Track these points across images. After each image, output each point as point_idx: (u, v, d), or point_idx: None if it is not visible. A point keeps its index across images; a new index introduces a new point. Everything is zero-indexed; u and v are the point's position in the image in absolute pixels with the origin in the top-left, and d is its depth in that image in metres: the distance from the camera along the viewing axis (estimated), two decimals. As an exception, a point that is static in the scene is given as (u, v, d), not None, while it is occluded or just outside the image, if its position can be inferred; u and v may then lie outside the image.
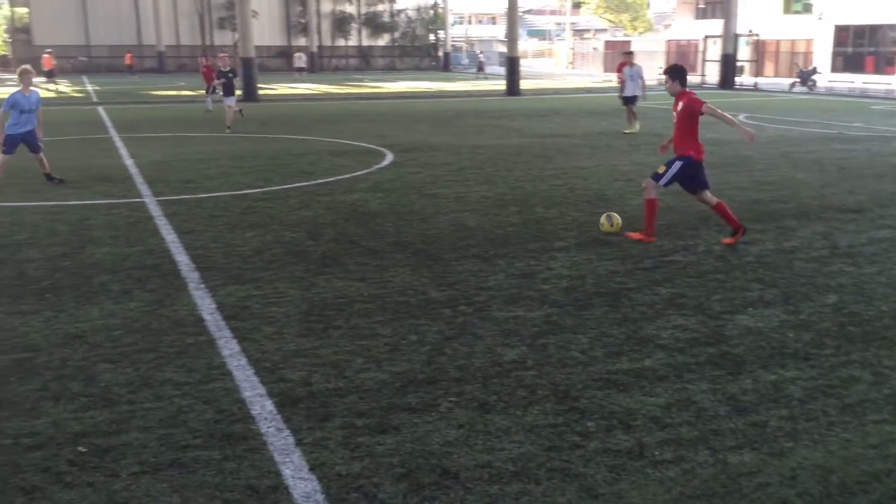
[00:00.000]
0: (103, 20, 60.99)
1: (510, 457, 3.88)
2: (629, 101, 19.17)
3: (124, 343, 5.42)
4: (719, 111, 7.91)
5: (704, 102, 7.84)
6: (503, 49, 55.51)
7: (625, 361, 5.09)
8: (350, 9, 69.88)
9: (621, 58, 20.73)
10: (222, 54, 21.60)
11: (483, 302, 6.29)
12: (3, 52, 65.70)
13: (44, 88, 38.50)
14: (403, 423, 4.24)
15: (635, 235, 8.25)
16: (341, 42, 70.34)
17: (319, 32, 68.34)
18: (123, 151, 15.70)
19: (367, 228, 8.95)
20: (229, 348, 5.33)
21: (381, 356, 5.19)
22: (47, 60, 42.08)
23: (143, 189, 11.49)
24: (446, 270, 7.21)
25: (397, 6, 72.61)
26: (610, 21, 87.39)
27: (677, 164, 7.95)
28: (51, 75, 41.60)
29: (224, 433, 4.14)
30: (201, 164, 14.07)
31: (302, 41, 67.11)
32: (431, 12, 74.02)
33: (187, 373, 4.92)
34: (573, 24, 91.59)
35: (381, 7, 71.52)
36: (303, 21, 67.75)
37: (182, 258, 7.64)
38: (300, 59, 56.08)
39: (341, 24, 69.62)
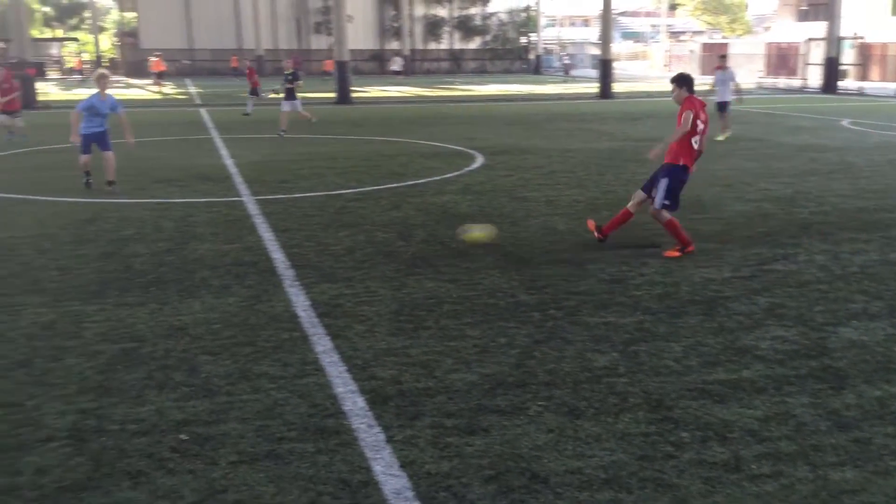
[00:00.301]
0: (206, 25, 63.22)
1: (601, 464, 3.84)
2: (719, 107, 18.52)
3: (223, 336, 5.61)
4: (686, 123, 7.55)
5: (696, 110, 7.58)
6: (596, 51, 54.91)
7: (721, 372, 4.96)
8: (442, 12, 70.38)
9: (716, 61, 20.11)
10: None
11: (573, 307, 6.24)
12: (113, 55, 68.91)
13: (150, 90, 40.25)
14: (492, 425, 4.25)
15: (673, 253, 7.72)
16: (433, 45, 70.91)
17: (412, 36, 69.09)
18: (223, 152, 16.23)
19: (458, 230, 8.99)
20: (322, 345, 5.45)
21: (471, 357, 5.21)
22: (157, 63, 43.89)
23: (242, 188, 11.85)
24: (536, 274, 7.18)
25: (489, 9, 72.71)
26: (707, 23, 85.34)
27: (664, 183, 7.62)
28: (161, 77, 43.40)
29: (317, 427, 4.24)
30: (296, 164, 14.42)
31: (395, 45, 67.99)
32: (523, 15, 73.85)
33: (283, 367, 5.05)
34: (669, 26, 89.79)
35: (473, 10, 71.76)
36: (396, 25, 68.62)
37: (278, 256, 7.85)
38: (396, 63, 56.71)
39: (433, 27, 70.17)
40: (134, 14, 66.24)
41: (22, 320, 5.92)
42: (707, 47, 64.37)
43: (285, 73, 19.95)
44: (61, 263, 7.55)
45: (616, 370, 4.98)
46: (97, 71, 12.29)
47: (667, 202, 7.64)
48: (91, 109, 11.52)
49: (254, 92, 26.00)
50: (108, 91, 11.74)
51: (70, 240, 8.54)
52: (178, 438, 4.10)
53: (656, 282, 6.91)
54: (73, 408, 4.46)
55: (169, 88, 42.36)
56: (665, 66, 71.09)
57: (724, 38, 75.01)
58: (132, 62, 61.48)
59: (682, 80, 7.90)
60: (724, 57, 20.03)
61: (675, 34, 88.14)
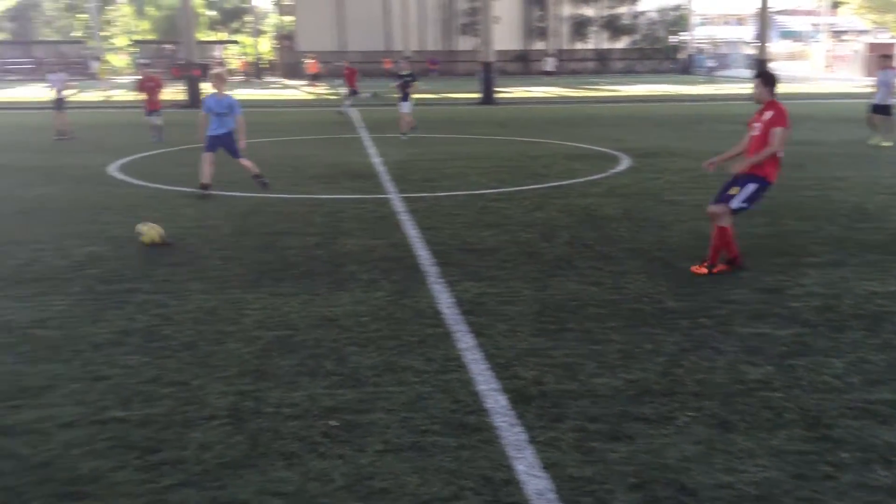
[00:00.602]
0: (357, 28, 65.31)
1: (753, 480, 3.68)
2: (877, 109, 17.20)
3: (370, 329, 5.78)
4: (781, 143, 6.83)
5: (786, 123, 6.82)
6: (751, 51, 52.61)
7: (885, 391, 4.64)
8: (589, 11, 69.50)
9: (880, 62, 18.62)
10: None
11: (724, 316, 6.00)
12: (271, 58, 72.37)
13: (304, 91, 42.00)
14: (638, 432, 4.16)
15: (700, 269, 7.08)
16: (579, 45, 70.15)
17: (558, 36, 68.63)
18: (371, 150, 16.71)
19: (602, 233, 8.87)
20: (465, 342, 5.51)
21: (615, 362, 5.12)
22: (312, 65, 45.84)
23: (389, 186, 12.16)
24: (684, 280, 6.96)
25: (638, 8, 71.16)
26: (873, 22, 79.89)
27: (752, 187, 6.90)
28: (315, 78, 45.31)
29: (460, 423, 4.29)
30: (441, 163, 14.66)
31: (540, 45, 67.75)
32: (674, 14, 71.78)
33: (426, 362, 5.15)
34: (830, 25, 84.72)
35: (621, 9, 70.46)
36: (542, 25, 68.37)
37: (423, 253, 8.00)
38: (549, 63, 56.41)
39: (580, 27, 69.45)
40: (292, 18, 69.29)
41: (189, 305, 6.33)
42: (872, 47, 60.25)
43: (401, 74, 19.64)
44: (223, 253, 8.01)
45: (771, 384, 4.76)
46: (213, 71, 12.18)
47: (744, 205, 6.98)
48: (210, 109, 11.36)
49: (353, 93, 26.72)
50: (228, 91, 11.49)
51: (230, 231, 9.05)
52: (328, 424, 4.26)
53: (816, 293, 6.54)
54: (232, 389, 4.72)
55: (322, 89, 44.04)
56: (826, 66, 67.21)
57: (892, 37, 69.99)
58: (288, 64, 64.38)
59: (769, 79, 7.10)
60: (888, 57, 18.63)
61: (837, 33, 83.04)
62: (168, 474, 3.77)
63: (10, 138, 19.27)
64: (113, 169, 14.01)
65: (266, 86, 50.24)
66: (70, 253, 8.00)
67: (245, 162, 11.56)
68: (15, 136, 19.55)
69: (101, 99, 34.86)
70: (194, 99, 30.29)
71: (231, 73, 63.62)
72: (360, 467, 3.82)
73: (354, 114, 26.41)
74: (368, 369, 5.02)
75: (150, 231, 8.28)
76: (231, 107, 11.36)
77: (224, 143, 11.44)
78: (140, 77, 20.43)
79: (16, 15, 75.60)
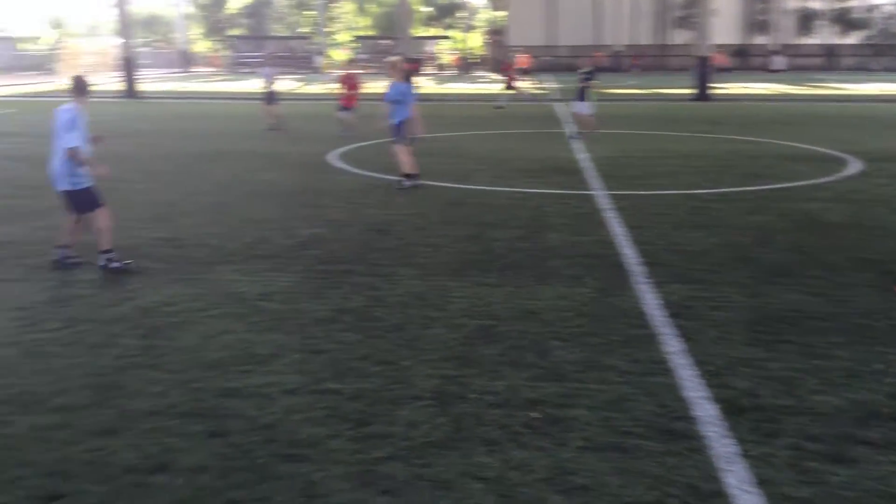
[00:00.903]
0: (567, 21, 64.99)
1: None
2: None
3: (573, 324, 5.74)
4: None
5: None
6: None
7: None
8: (816, 4, 64.80)
9: None
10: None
11: (970, 339, 5.40)
12: (482, 52, 73.74)
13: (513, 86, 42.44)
14: (862, 456, 3.84)
15: None
16: (804, 40, 65.63)
17: (781, 30, 64.58)
18: (577, 146, 16.56)
19: (826, 240, 8.25)
20: (672, 345, 5.33)
21: (838, 380, 4.75)
22: (523, 60, 46.40)
23: (594, 182, 12.00)
24: (922, 297, 6.33)
25: (873, 1, 65.41)
26: None
27: None
28: (525, 73, 45.82)
29: (665, 428, 4.16)
30: (650, 161, 14.26)
31: (760, 39, 64.09)
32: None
33: (631, 362, 5.04)
34: None
35: (853, 2, 65.09)
36: (763, 18, 64.62)
37: (628, 251, 7.82)
38: (777, 62, 53.23)
39: (806, 20, 64.94)
40: (504, 13, 70.18)
41: (398, 289, 6.60)
42: None
43: (581, 71, 18.99)
44: (431, 241, 8.27)
45: None
46: (390, 58, 12.10)
47: None
48: (387, 98, 11.37)
49: (509, 87, 26.69)
50: (411, 80, 11.33)
51: (438, 220, 9.33)
52: (529, 415, 4.28)
53: None
54: (437, 373, 4.87)
55: (528, 84, 44.26)
56: None
57: None
58: (497, 59, 65.24)
59: None
60: None
61: None
62: (377, 447, 3.96)
63: (238, 127, 20.98)
64: (332, 157, 14.86)
65: (474, 80, 51.25)
66: (294, 234, 8.59)
67: (393, 154, 11.60)
68: (242, 126, 21.23)
69: (323, 92, 37.07)
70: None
71: (442, 67, 65.67)
72: (560, 461, 3.81)
73: (561, 109, 26.31)
74: (570, 365, 5.00)
75: None
76: (404, 94, 11.30)
77: (396, 131, 11.46)
78: (342, 73, 21.24)
79: (252, 12, 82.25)
